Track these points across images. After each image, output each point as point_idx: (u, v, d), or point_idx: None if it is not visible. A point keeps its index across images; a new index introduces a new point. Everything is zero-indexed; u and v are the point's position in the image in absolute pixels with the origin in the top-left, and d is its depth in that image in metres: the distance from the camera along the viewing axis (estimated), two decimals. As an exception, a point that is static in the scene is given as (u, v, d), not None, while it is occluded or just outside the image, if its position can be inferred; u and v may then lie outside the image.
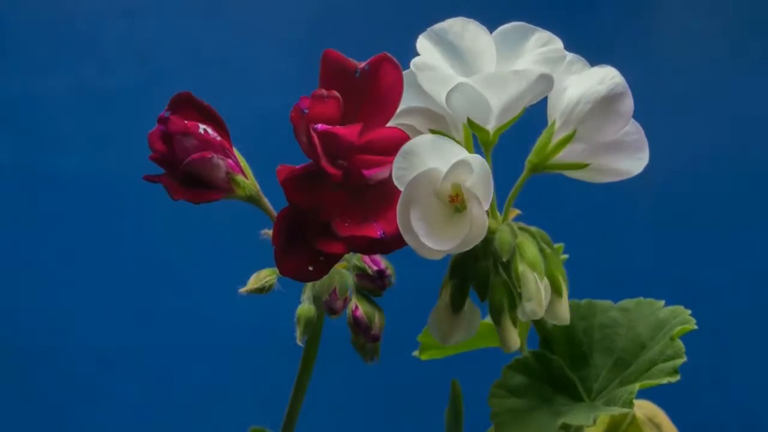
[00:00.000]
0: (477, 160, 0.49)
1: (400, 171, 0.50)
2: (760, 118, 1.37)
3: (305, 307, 0.59)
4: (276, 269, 0.58)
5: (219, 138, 0.56)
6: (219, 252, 1.34)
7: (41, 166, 1.37)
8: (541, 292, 0.52)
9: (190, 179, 0.55)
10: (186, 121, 0.55)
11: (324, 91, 0.52)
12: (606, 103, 0.53)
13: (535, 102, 0.53)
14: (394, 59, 0.53)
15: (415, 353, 0.68)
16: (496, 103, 0.51)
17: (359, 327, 0.59)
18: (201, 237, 1.33)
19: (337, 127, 0.52)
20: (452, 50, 0.53)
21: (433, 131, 0.54)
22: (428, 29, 0.53)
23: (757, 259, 1.34)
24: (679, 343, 0.55)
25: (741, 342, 1.30)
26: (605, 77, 0.53)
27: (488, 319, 0.69)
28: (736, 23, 1.41)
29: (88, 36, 1.38)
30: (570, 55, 0.55)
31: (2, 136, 1.37)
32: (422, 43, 0.53)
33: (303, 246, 0.52)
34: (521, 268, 0.52)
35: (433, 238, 0.49)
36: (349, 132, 0.52)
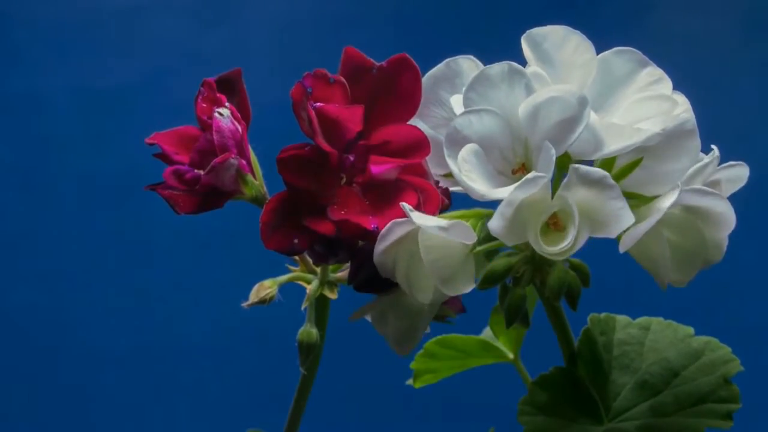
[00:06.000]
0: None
1: None
2: (762, 118, 1.36)
3: (306, 331, 0.57)
4: (276, 279, 0.57)
5: (242, 126, 0.54)
6: (220, 251, 1.33)
7: (41, 166, 1.36)
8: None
9: (203, 188, 0.53)
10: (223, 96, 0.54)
11: (327, 73, 0.51)
12: (674, 136, 0.49)
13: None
14: (413, 61, 0.52)
15: (409, 382, 0.66)
16: (610, 148, 0.48)
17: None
18: (202, 236, 1.33)
19: (339, 107, 0.50)
20: (547, 59, 0.50)
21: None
22: (528, 32, 0.50)
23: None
24: (735, 388, 0.54)
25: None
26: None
27: (482, 334, 0.68)
28: (737, 23, 1.40)
29: (89, 36, 1.38)
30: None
31: (2, 136, 1.36)
32: (523, 45, 0.50)
33: (291, 224, 0.50)
34: None
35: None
36: (351, 115, 0.50)
